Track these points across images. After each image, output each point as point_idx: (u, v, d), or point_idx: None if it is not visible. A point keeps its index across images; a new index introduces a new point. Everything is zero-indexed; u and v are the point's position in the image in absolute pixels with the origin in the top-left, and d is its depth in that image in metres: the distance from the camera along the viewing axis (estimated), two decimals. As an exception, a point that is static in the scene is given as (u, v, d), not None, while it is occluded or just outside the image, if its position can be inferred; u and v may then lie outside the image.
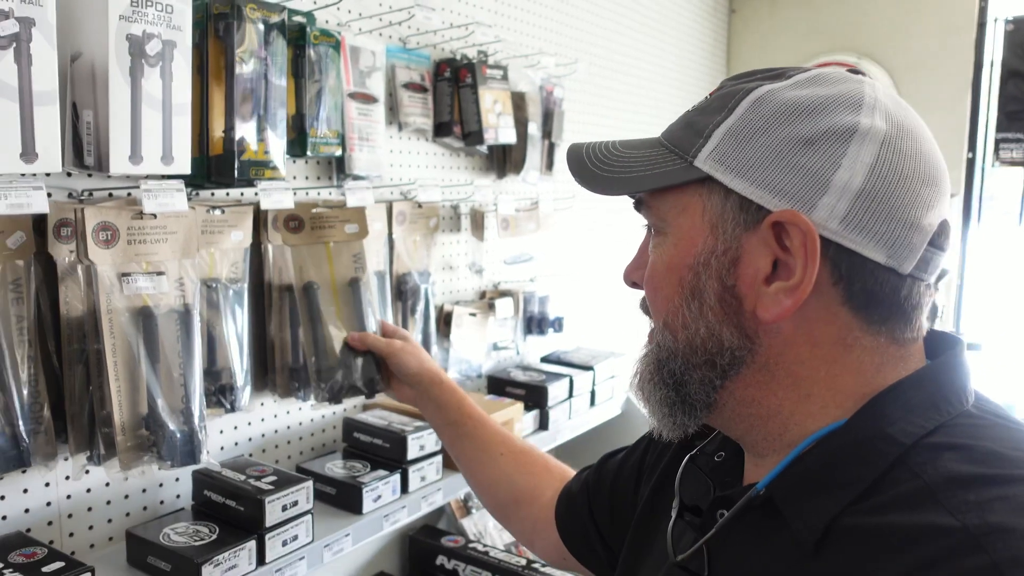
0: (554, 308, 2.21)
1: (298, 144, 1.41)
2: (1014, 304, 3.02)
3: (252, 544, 1.21)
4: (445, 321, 1.86)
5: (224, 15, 1.21)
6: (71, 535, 1.22)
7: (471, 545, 1.79)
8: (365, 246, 1.52)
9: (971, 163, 2.92)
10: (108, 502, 1.26)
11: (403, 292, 1.73)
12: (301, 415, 1.59)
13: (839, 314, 0.67)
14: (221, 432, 1.43)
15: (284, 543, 1.26)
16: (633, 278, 0.80)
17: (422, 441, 1.54)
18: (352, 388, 1.43)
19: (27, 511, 1.16)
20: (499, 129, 1.85)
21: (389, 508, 1.46)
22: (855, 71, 0.71)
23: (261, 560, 1.23)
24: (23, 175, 1.01)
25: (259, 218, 1.39)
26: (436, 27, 1.72)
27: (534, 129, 2.01)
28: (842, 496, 0.63)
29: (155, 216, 1.15)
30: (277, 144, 1.31)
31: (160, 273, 1.17)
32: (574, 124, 2.35)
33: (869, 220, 0.64)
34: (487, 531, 1.95)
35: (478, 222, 1.97)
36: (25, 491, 1.15)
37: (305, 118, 1.40)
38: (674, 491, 0.81)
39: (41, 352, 1.10)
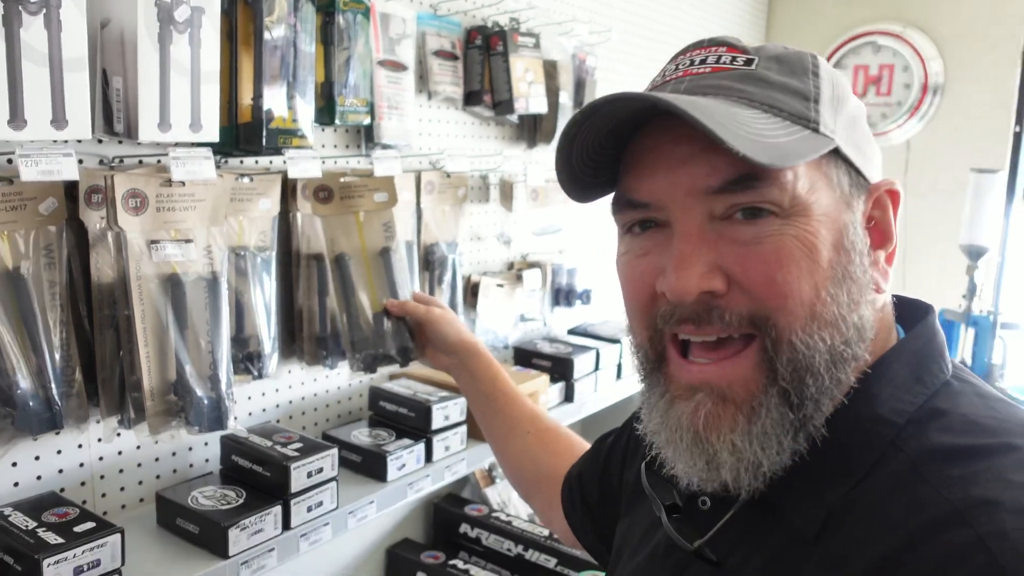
0: (582, 280, 2.20)
1: (326, 112, 1.40)
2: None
3: (278, 509, 1.23)
4: (472, 292, 1.86)
5: (253, -19, 1.20)
6: (103, 495, 1.25)
7: (494, 514, 1.81)
8: (394, 214, 1.52)
9: (1018, 137, 2.82)
10: (139, 464, 1.29)
11: (431, 262, 1.72)
12: (328, 383, 1.60)
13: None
14: (249, 398, 1.45)
15: (309, 508, 1.27)
16: (713, 285, 0.62)
17: (447, 411, 1.54)
18: (386, 357, 1.43)
19: (61, 471, 1.19)
20: (530, 98, 1.82)
21: (413, 477, 1.47)
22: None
23: (287, 525, 1.25)
24: (54, 141, 1.01)
25: (287, 186, 1.39)
26: (467, -7, 1.70)
27: (566, 98, 1.98)
28: (840, 487, 0.63)
29: (183, 184, 1.15)
30: (306, 112, 1.30)
31: (188, 241, 1.17)
32: (607, 94, 2.30)
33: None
34: (511, 501, 1.97)
35: (507, 192, 1.95)
36: (59, 452, 1.18)
37: (334, 86, 1.39)
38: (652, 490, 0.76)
39: (73, 317, 1.12)
